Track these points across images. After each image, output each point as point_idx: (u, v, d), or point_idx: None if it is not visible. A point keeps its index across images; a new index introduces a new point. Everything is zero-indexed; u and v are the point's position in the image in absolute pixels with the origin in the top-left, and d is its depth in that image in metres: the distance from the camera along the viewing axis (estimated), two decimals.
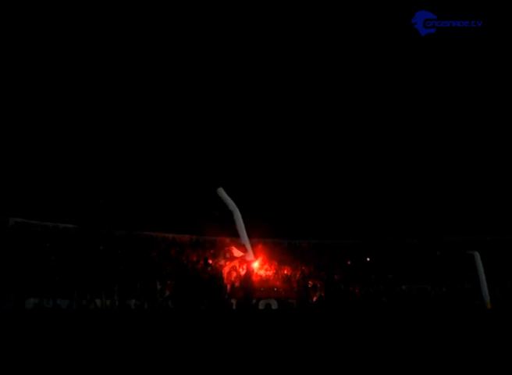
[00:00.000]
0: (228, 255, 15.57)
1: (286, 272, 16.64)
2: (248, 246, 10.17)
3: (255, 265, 16.07)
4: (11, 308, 11.58)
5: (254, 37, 18.15)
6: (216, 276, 15.23)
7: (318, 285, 15.44)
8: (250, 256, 10.18)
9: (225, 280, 14.18)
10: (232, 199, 10.22)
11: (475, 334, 5.68)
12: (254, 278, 14.40)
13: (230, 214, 10.11)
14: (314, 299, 14.37)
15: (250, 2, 17.78)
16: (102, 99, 18.11)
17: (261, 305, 13.30)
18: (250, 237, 12.50)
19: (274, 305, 13.59)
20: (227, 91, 18.63)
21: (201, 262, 15.95)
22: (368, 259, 17.53)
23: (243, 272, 13.59)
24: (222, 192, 9.97)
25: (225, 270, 15.13)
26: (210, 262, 16.13)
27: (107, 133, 17.94)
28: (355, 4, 17.69)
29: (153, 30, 18.08)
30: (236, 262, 15.43)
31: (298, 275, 16.43)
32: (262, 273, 16.27)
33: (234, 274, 14.86)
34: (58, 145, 17.43)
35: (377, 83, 18.74)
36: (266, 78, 18.76)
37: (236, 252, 14.54)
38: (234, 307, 13.05)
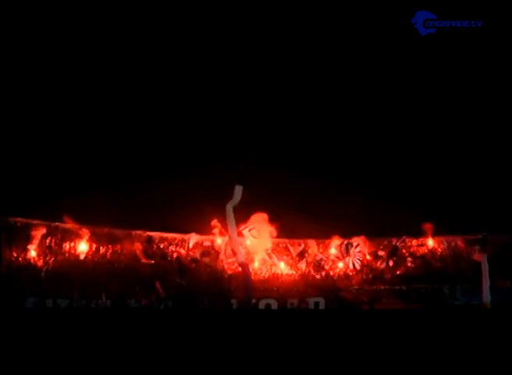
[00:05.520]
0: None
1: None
2: (238, 247, 10.16)
3: (255, 265, 16.10)
4: (11, 308, 11.60)
5: (253, 37, 18.16)
6: (216, 276, 15.26)
7: None
8: (241, 258, 10.18)
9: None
10: None
11: (475, 335, 5.68)
12: (254, 278, 14.39)
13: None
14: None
15: (250, 2, 17.80)
16: (102, 100, 18.14)
17: (261, 305, 13.31)
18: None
19: (274, 305, 13.59)
20: (222, 91, 18.64)
21: (202, 261, 15.94)
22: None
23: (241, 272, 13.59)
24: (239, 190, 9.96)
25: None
26: (209, 262, 16.13)
27: (107, 133, 17.96)
28: (355, 3, 17.70)
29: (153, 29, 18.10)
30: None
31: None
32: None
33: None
34: (58, 145, 17.45)
35: (376, 83, 18.74)
36: (265, 78, 18.75)
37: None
38: (234, 307, 13.06)
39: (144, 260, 15.52)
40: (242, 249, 10.47)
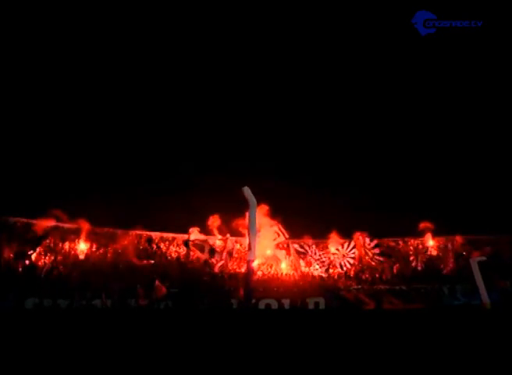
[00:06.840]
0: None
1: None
2: (252, 245, 10.14)
3: (255, 263, 16.07)
4: (11, 308, 11.60)
5: (253, 37, 18.17)
6: (216, 276, 15.27)
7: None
8: (251, 256, 10.16)
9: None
10: None
11: (475, 334, 5.67)
12: (255, 278, 14.39)
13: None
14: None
15: (250, 2, 17.80)
16: (104, 103, 18.18)
17: (261, 305, 13.31)
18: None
19: (274, 305, 13.59)
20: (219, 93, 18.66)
21: (202, 261, 15.96)
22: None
23: (244, 270, 13.59)
24: (247, 191, 9.99)
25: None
26: (210, 262, 16.14)
27: (106, 133, 17.97)
28: (355, 3, 17.70)
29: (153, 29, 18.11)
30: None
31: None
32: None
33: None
34: (57, 145, 17.47)
35: (376, 83, 18.74)
36: (265, 78, 18.76)
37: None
38: (235, 307, 13.06)
39: (135, 260, 15.53)
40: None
